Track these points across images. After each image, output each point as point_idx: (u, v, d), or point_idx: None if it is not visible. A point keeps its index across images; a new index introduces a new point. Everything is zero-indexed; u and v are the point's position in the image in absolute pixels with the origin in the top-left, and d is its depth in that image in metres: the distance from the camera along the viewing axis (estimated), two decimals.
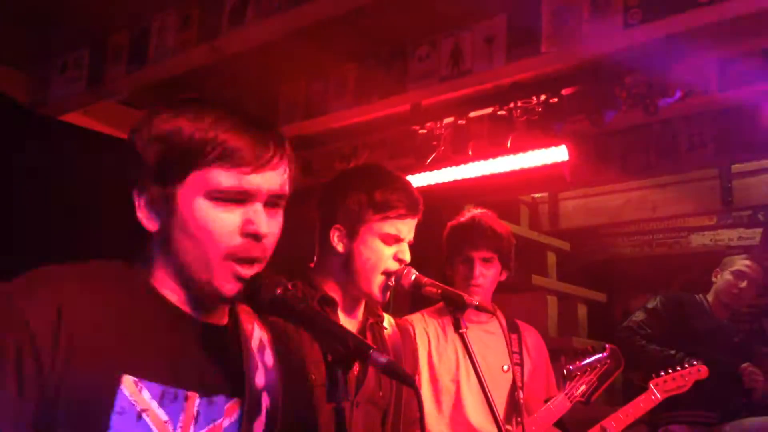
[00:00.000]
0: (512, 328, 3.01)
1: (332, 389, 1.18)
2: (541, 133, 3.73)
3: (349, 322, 2.15)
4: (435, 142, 4.07)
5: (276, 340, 1.44)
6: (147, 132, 1.26)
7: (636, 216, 5.85)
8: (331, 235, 2.12)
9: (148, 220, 1.27)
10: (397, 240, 2.10)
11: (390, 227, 2.08)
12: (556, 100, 3.65)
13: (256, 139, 1.25)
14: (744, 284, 4.39)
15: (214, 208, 1.24)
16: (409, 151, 4.22)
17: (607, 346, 3.02)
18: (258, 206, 1.26)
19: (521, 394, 2.74)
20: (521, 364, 2.94)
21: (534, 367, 3.02)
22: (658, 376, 3.35)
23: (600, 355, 2.96)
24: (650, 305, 4.40)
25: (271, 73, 4.07)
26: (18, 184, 3.70)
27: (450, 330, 2.88)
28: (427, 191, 4.17)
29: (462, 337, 2.12)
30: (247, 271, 1.25)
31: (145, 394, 1.18)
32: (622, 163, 4.40)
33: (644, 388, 3.41)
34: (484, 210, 3.05)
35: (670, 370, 3.33)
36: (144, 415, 1.17)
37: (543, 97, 3.68)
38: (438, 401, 2.81)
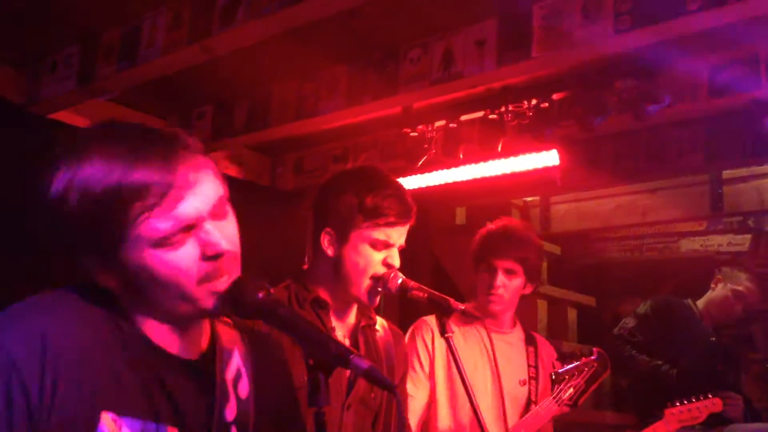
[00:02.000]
0: (530, 341, 2.99)
1: (313, 394, 1.18)
2: (532, 137, 3.74)
3: (340, 325, 2.14)
4: (426, 145, 4.07)
5: (256, 358, 1.41)
6: (70, 196, 1.16)
7: (626, 221, 5.86)
8: (322, 238, 2.11)
9: (109, 283, 1.21)
10: (386, 246, 2.08)
11: (380, 234, 2.06)
12: (547, 104, 3.66)
13: (165, 157, 1.15)
14: (739, 307, 4.37)
15: (166, 252, 1.16)
16: (400, 153, 4.23)
17: (594, 349, 3.02)
18: (207, 225, 1.19)
19: (534, 408, 2.74)
20: (536, 378, 2.93)
21: (545, 385, 2.98)
22: (674, 405, 3.33)
23: (587, 359, 2.95)
24: (641, 311, 4.39)
25: (263, 74, 4.06)
26: (8, 183, 3.68)
27: (470, 335, 2.85)
28: (418, 194, 4.17)
29: (448, 341, 2.12)
30: (223, 284, 1.22)
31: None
32: (613, 168, 4.42)
33: (647, 408, 3.37)
34: (519, 220, 2.97)
35: (685, 401, 3.32)
36: None
37: (534, 102, 3.70)
38: (453, 407, 2.77)
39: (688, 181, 5.28)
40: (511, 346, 2.88)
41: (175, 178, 1.15)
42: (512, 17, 3.21)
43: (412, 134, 4.12)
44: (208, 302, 1.22)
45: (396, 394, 1.17)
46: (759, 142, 3.78)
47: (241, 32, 3.14)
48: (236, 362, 1.37)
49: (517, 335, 2.94)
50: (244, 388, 1.36)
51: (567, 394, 2.86)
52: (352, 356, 1.16)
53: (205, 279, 1.20)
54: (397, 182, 2.16)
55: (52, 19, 3.61)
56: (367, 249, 2.06)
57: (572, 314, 5.90)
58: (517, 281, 2.83)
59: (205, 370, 1.30)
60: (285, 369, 1.52)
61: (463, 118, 4.01)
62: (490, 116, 3.85)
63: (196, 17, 3.28)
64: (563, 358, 3.03)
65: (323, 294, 2.12)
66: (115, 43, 3.64)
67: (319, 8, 2.96)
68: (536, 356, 2.95)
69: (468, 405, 2.71)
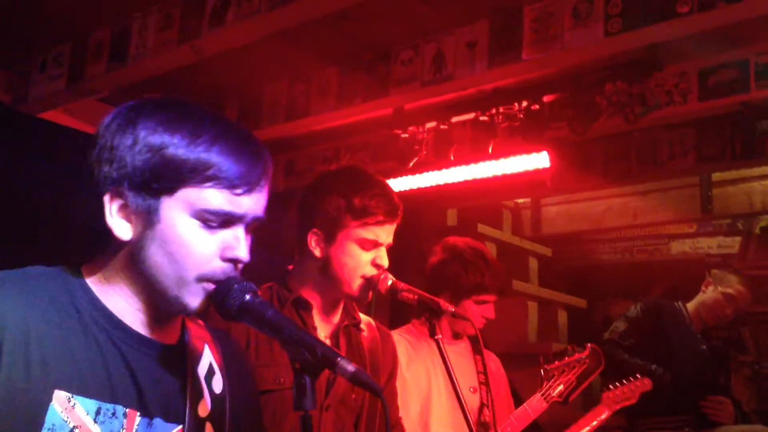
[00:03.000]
0: (476, 350, 3.00)
1: (299, 397, 1.17)
2: (523, 139, 3.74)
3: (324, 326, 2.13)
4: (417, 147, 4.07)
5: (229, 359, 1.40)
6: (132, 139, 1.19)
7: (617, 223, 5.89)
8: (309, 239, 2.10)
9: (119, 228, 1.21)
10: (375, 245, 2.07)
11: (368, 233, 2.05)
12: (537, 106, 3.67)
13: (250, 162, 1.22)
14: (730, 310, 4.36)
15: (198, 228, 1.20)
16: (392, 154, 4.22)
17: (587, 345, 3.00)
18: (240, 230, 1.23)
19: (487, 413, 2.72)
20: (486, 384, 2.92)
21: (495, 395, 2.96)
22: (609, 390, 3.34)
23: (579, 355, 2.93)
24: (631, 314, 4.38)
25: (255, 75, 4.06)
26: None
27: (421, 347, 2.82)
28: (409, 195, 4.17)
29: (438, 343, 2.11)
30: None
31: (79, 411, 1.14)
32: (604, 170, 4.43)
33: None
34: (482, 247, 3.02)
35: (617, 384, 3.34)
36: None
37: (525, 104, 3.70)
38: (425, 422, 2.74)
39: (678, 183, 5.32)
40: (460, 356, 2.86)
41: (248, 178, 1.21)
42: (503, 20, 3.22)
43: (403, 136, 4.12)
44: (195, 301, 1.22)
45: (382, 398, 1.16)
46: (748, 145, 3.79)
47: (232, 33, 3.13)
48: (208, 358, 1.35)
49: (464, 344, 2.93)
50: (218, 384, 1.34)
51: (556, 391, 2.84)
52: (338, 359, 1.15)
53: (206, 278, 1.21)
54: (383, 181, 2.16)
55: (41, 19, 3.60)
56: (355, 249, 2.05)
57: (563, 316, 5.90)
58: None
59: (174, 357, 1.29)
60: (251, 374, 1.51)
61: (454, 119, 4.01)
62: (481, 118, 3.85)
63: (187, 18, 3.27)
64: (554, 355, 3.01)
65: (307, 294, 2.10)
66: (105, 43, 3.63)
67: (309, 10, 2.96)
68: (483, 363, 2.95)
69: (443, 419, 2.71)
